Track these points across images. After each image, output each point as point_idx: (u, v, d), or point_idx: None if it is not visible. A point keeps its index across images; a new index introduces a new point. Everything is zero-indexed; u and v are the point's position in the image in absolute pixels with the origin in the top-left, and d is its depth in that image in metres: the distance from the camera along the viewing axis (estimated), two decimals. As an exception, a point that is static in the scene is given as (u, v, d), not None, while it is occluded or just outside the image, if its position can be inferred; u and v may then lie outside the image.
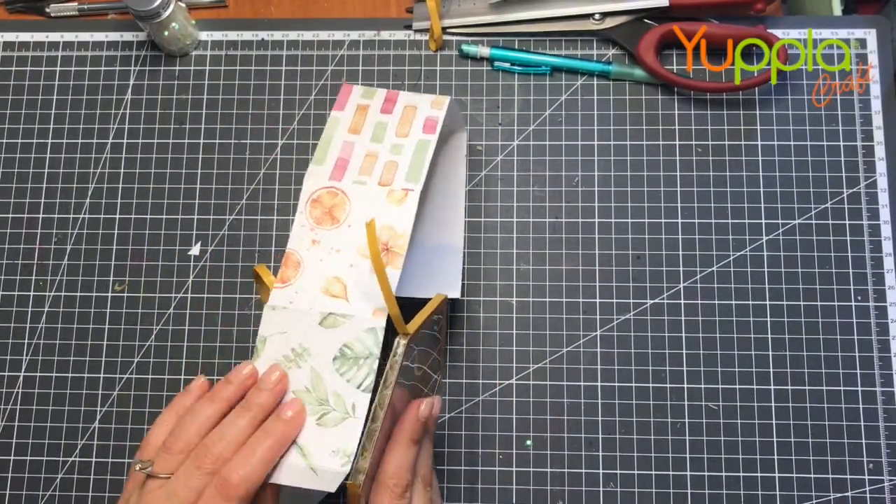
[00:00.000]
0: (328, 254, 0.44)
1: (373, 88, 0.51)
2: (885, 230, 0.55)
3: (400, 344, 0.42)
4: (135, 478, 0.41)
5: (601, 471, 0.53)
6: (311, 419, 0.41)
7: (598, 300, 0.55)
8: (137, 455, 0.41)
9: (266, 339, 0.43)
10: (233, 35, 0.61)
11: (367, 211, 0.45)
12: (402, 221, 0.44)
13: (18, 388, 0.56)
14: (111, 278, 0.57)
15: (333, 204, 0.45)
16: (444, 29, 0.60)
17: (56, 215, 0.59)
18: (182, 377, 0.55)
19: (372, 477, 0.42)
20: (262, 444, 0.39)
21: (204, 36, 0.61)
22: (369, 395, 0.41)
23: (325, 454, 0.40)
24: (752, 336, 0.54)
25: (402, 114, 0.49)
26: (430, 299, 0.46)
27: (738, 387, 0.54)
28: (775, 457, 0.52)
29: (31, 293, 0.57)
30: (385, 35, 0.61)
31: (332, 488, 0.39)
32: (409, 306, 0.44)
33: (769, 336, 0.54)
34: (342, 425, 0.41)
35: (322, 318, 0.43)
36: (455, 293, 0.51)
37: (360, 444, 0.40)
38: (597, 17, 0.58)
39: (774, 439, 0.53)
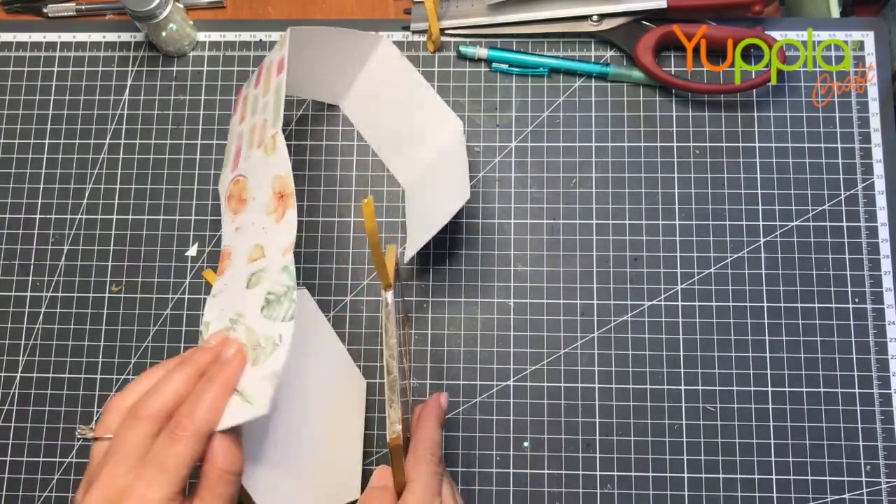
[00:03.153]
0: (246, 229, 0.46)
1: (251, 76, 0.53)
2: (883, 232, 0.55)
3: (389, 296, 0.44)
4: (98, 448, 0.40)
5: (598, 473, 0.53)
6: (248, 366, 0.42)
7: (595, 302, 0.55)
8: (92, 428, 0.42)
9: (209, 323, 0.45)
10: (230, 36, 0.61)
11: (258, 175, 0.46)
12: (280, 164, 0.45)
13: (15, 389, 0.56)
14: (108, 279, 0.57)
15: (240, 189, 0.48)
16: (441, 30, 0.60)
17: (53, 216, 0.58)
18: (179, 378, 0.55)
19: (407, 441, 0.43)
20: (208, 390, 0.39)
21: (202, 36, 0.61)
22: (292, 324, 0.41)
23: (255, 382, 0.40)
24: (750, 338, 0.54)
25: (264, 76, 0.51)
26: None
27: (735, 389, 0.54)
28: (772, 459, 0.52)
29: (28, 294, 0.57)
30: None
31: (265, 411, 0.39)
32: None
33: (766, 338, 0.54)
34: (272, 356, 0.41)
35: (247, 282, 0.44)
36: (465, 196, 0.50)
37: None
38: (594, 18, 0.58)
39: (772, 441, 0.53)
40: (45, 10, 0.63)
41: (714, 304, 0.55)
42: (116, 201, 0.59)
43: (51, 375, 0.56)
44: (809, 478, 0.52)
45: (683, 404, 0.53)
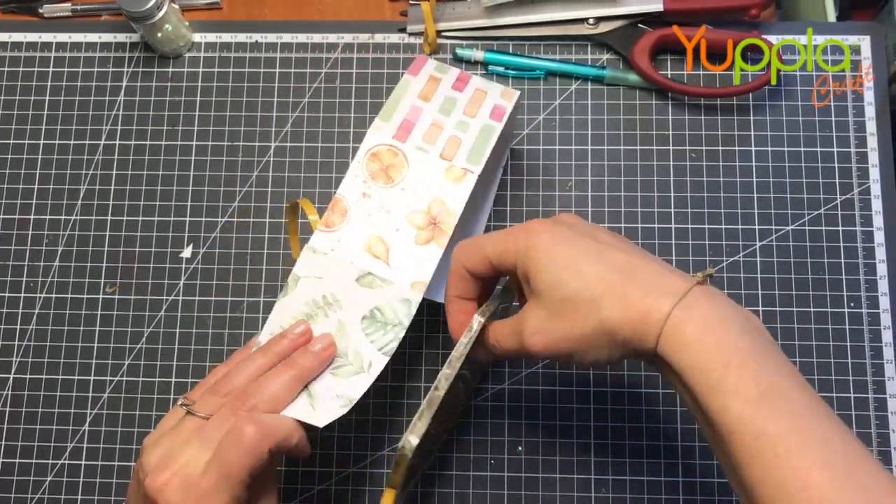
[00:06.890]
0: (377, 210, 0.45)
1: (447, 65, 0.51)
2: (878, 237, 0.55)
3: (476, 321, 0.42)
4: (175, 413, 0.42)
5: (593, 476, 0.53)
6: (327, 369, 0.42)
7: (590, 305, 0.55)
8: (186, 396, 0.43)
9: (299, 279, 0.43)
10: (226, 37, 0.61)
11: (424, 179, 0.45)
12: (455, 200, 0.45)
13: (8, 391, 0.56)
14: (102, 280, 0.57)
15: (392, 163, 0.46)
16: (438, 32, 0.60)
17: (48, 216, 0.58)
18: (173, 380, 0.55)
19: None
20: (284, 374, 0.41)
21: (197, 37, 0.61)
22: (388, 360, 0.41)
23: (329, 396, 0.41)
24: (745, 342, 0.54)
25: (472, 94, 0.49)
26: None
27: (730, 393, 0.53)
28: (767, 463, 0.52)
29: (22, 295, 0.57)
30: (379, 38, 0.60)
31: (322, 424, 0.40)
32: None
33: (762, 342, 0.54)
34: (354, 378, 0.41)
35: (360, 276, 0.43)
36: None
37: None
38: (591, 21, 0.58)
39: (767, 445, 0.53)
40: (40, 11, 0.63)
41: (709, 307, 0.55)
42: (111, 202, 0.58)
43: (44, 377, 0.56)
44: (804, 482, 0.52)
45: (678, 407, 0.53)
